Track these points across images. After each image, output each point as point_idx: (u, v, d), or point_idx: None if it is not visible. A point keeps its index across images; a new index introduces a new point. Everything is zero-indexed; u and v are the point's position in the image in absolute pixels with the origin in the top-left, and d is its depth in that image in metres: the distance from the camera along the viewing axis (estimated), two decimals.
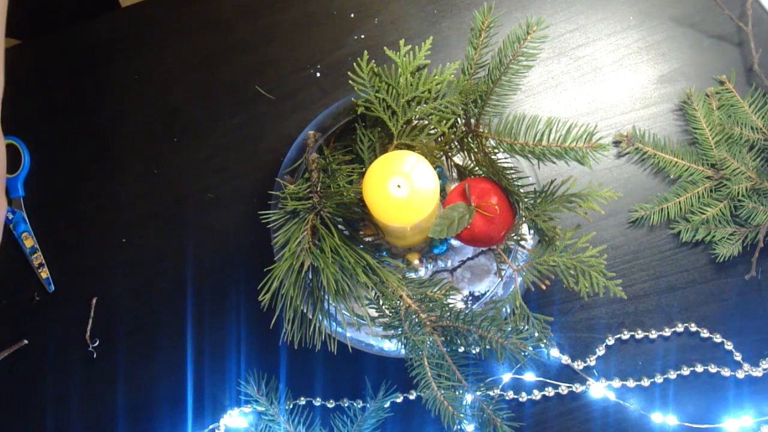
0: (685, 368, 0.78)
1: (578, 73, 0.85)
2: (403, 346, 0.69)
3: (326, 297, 0.69)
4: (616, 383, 0.78)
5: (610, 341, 0.79)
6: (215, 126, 0.86)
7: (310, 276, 0.70)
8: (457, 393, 0.69)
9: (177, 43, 0.89)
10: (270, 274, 0.68)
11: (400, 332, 0.69)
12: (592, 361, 0.79)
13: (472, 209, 0.68)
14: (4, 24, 0.67)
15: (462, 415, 0.67)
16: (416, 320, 0.69)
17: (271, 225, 0.72)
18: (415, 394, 0.79)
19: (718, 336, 0.78)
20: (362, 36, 0.87)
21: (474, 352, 0.69)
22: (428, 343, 0.68)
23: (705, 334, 0.78)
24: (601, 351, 0.79)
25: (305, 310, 0.70)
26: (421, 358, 0.68)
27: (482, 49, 0.68)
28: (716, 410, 0.77)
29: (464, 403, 0.69)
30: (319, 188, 0.73)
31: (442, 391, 0.67)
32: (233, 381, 0.81)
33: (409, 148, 0.72)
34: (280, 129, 0.86)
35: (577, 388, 0.78)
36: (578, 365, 0.79)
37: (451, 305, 0.72)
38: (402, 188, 0.64)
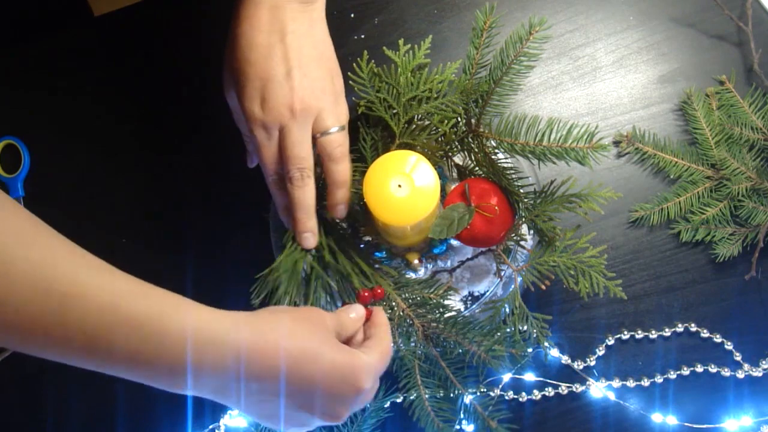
0: (685, 368, 0.78)
1: (578, 73, 0.85)
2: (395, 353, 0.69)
3: (325, 297, 0.69)
4: (616, 383, 0.78)
5: (610, 341, 0.79)
6: (215, 126, 0.86)
7: (309, 275, 0.70)
8: (452, 395, 0.69)
9: (177, 42, 0.88)
10: (268, 275, 0.68)
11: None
12: (592, 361, 0.79)
13: (472, 209, 0.68)
14: None
15: (448, 427, 0.67)
16: (409, 323, 0.70)
17: (271, 222, 0.73)
18: (415, 394, 0.79)
19: (718, 336, 0.78)
20: (362, 36, 0.87)
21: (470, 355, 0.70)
22: (419, 353, 0.69)
23: (705, 334, 0.79)
24: (601, 351, 0.79)
25: None
26: (413, 367, 0.68)
27: (484, 49, 0.69)
28: (716, 410, 0.77)
29: (461, 405, 0.69)
30: (320, 185, 0.73)
31: (431, 398, 0.68)
32: None
33: (410, 147, 0.72)
34: None
35: (577, 388, 0.78)
36: (578, 365, 0.79)
37: (449, 306, 0.72)
38: (403, 188, 0.64)
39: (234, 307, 0.82)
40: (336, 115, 0.65)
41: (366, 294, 0.68)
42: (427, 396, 0.68)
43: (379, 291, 0.69)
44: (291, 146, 0.63)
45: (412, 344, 0.69)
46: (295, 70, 0.63)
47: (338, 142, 0.65)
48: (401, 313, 0.70)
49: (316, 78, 0.64)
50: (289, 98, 0.63)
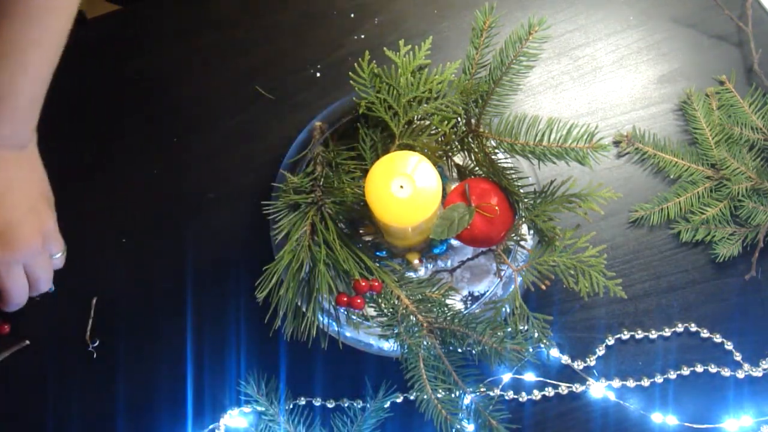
0: (685, 368, 0.78)
1: (578, 73, 0.85)
2: (399, 348, 0.69)
3: (324, 296, 0.69)
4: (616, 383, 0.78)
5: (610, 341, 0.79)
6: (215, 126, 0.86)
7: (308, 273, 0.70)
8: (453, 396, 0.69)
9: (177, 43, 0.88)
10: (267, 271, 0.68)
11: (396, 332, 0.69)
12: (592, 361, 0.79)
13: (472, 210, 0.68)
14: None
15: (454, 419, 0.67)
16: (413, 321, 0.70)
17: (271, 216, 0.72)
18: (415, 394, 0.79)
19: (718, 336, 0.78)
20: (362, 36, 0.87)
21: (473, 352, 0.70)
22: (424, 344, 0.69)
23: (705, 334, 0.79)
24: (601, 351, 0.79)
25: (304, 310, 0.70)
26: (417, 360, 0.68)
27: (483, 49, 0.69)
28: (716, 410, 0.77)
29: (462, 404, 0.69)
30: (321, 182, 0.73)
31: (439, 394, 0.68)
32: (233, 381, 0.81)
33: (410, 148, 0.72)
34: (280, 129, 0.86)
35: (577, 388, 0.78)
36: (578, 365, 0.79)
37: (449, 305, 0.72)
38: (405, 189, 0.64)
39: (235, 306, 0.83)
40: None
41: (363, 284, 0.69)
42: (431, 387, 0.68)
43: (376, 284, 0.69)
44: (32, 272, 0.75)
45: (417, 338, 0.69)
46: (29, 213, 0.72)
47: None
48: (404, 310, 0.70)
49: (46, 219, 0.75)
50: (31, 237, 0.72)
